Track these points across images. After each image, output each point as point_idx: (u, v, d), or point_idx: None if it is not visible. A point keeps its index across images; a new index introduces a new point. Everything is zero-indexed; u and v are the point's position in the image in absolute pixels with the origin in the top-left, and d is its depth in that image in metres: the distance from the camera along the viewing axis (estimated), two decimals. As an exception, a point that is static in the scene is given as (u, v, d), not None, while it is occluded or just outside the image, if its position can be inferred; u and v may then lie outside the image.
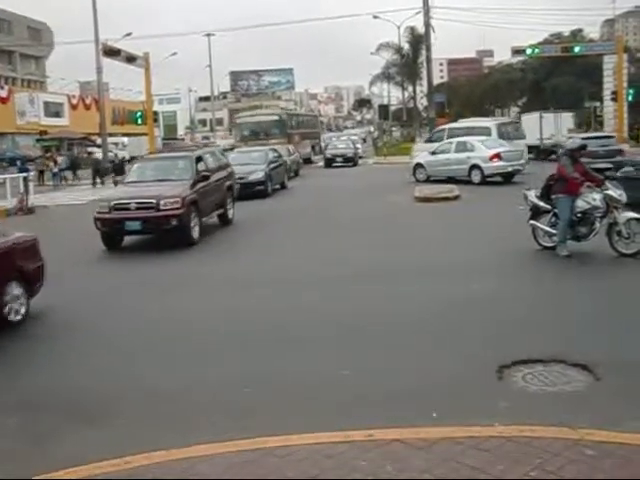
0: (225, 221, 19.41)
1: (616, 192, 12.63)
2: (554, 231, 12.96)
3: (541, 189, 13.41)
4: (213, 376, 7.46)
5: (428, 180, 28.61)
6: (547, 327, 8.58)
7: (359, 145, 56.67)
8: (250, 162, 27.56)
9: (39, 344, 9.16)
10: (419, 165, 29.83)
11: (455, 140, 29.13)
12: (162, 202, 15.65)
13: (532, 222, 13.41)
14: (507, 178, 27.33)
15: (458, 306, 9.73)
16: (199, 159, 18.24)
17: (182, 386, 7.21)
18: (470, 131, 31.23)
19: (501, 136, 30.19)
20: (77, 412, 6.70)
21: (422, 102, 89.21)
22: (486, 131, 30.81)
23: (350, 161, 45.84)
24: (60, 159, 44.64)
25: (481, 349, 7.79)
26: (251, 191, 25.45)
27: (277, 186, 29.42)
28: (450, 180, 27.65)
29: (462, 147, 28.17)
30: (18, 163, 39.28)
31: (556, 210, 12.90)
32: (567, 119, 42.68)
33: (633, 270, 11.68)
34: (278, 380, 7.19)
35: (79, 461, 5.29)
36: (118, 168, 35.03)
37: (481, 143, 28.08)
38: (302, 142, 48.25)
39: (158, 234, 16.48)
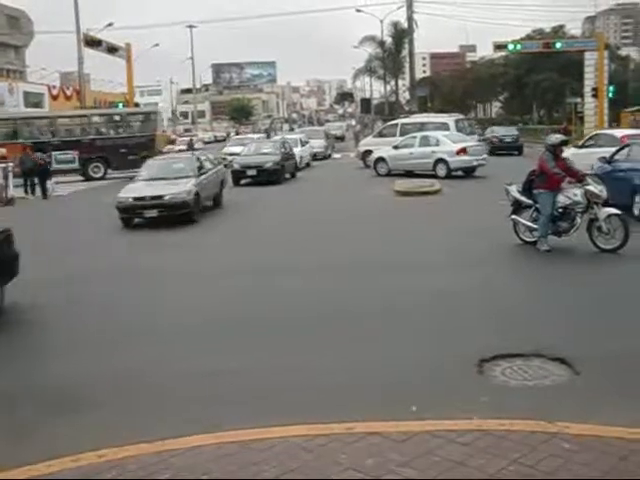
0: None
1: (597, 188, 12.70)
2: (535, 226, 13.00)
3: (522, 184, 13.43)
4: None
5: (389, 174, 28.81)
6: (527, 321, 8.61)
7: (302, 149, 37.12)
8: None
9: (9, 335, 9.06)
10: (381, 159, 30.04)
11: (419, 134, 29.57)
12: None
13: (513, 217, 13.43)
14: (468, 172, 28.05)
15: (440, 299, 9.75)
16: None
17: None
18: (424, 126, 32.02)
19: (459, 131, 31.28)
20: (58, 402, 6.63)
21: (404, 96, 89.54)
22: (444, 127, 31.69)
23: (273, 175, 29.05)
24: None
25: (462, 342, 7.79)
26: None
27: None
28: (412, 174, 27.85)
29: (427, 141, 28.67)
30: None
31: (537, 205, 12.93)
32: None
33: (613, 265, 11.74)
34: (250, 369, 7.15)
35: (53, 454, 5.21)
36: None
37: (447, 138, 28.75)
38: None
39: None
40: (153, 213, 18.31)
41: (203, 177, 20.44)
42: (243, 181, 29.24)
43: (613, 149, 17.13)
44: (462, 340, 7.89)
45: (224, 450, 5.11)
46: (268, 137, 49.98)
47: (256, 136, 52.55)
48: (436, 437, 5.15)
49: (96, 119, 36.81)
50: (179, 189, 18.65)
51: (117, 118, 37.20)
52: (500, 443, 5.01)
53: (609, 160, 17.28)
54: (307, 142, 39.27)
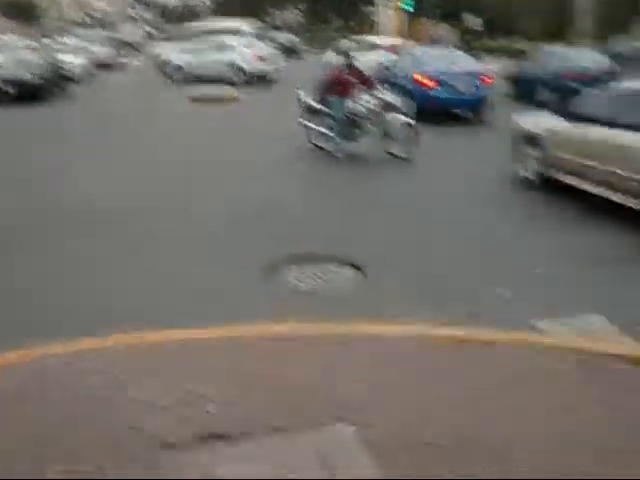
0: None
1: (390, 96, 12.83)
2: (327, 131, 12.96)
3: (316, 90, 13.31)
4: None
5: (185, 81, 27.88)
6: (320, 227, 8.63)
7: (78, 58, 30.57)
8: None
9: None
10: (176, 65, 29.18)
11: (216, 40, 29.10)
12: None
13: (303, 121, 13.39)
14: (263, 79, 27.93)
15: (234, 205, 9.61)
16: None
17: None
18: (221, 32, 31.38)
19: (257, 38, 31.38)
20: None
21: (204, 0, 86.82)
22: (240, 33, 31.71)
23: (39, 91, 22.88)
24: None
25: (255, 248, 7.67)
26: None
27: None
28: (210, 80, 27.03)
29: (223, 47, 28.33)
30: None
31: (330, 111, 12.86)
32: None
33: (403, 171, 12.02)
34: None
35: None
36: None
37: (242, 45, 28.56)
38: None
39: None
40: None
41: None
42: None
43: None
44: (256, 246, 7.78)
45: None
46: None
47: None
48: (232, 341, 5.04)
49: None
50: None
51: None
52: (294, 346, 4.97)
53: (386, 67, 19.23)
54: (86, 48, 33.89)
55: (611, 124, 9.20)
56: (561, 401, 4.24)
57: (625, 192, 8.72)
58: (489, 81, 18.03)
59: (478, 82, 17.62)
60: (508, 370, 4.64)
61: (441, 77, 17.35)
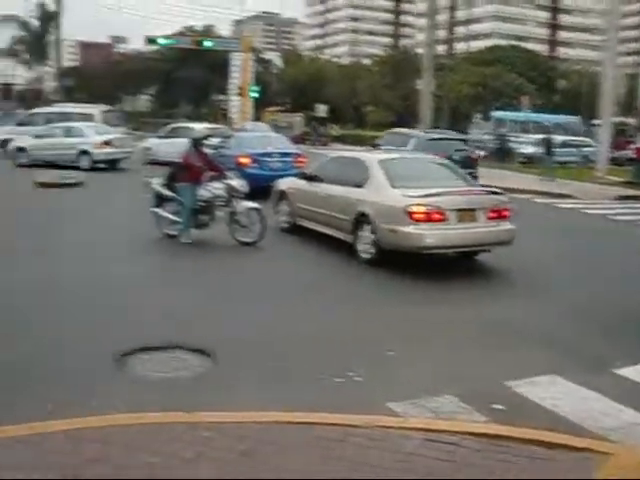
0: None
1: (238, 182, 13.08)
2: (178, 219, 13.00)
3: (165, 177, 13.40)
4: None
5: (30, 165, 27.20)
6: (168, 313, 8.56)
7: None
8: None
9: None
10: (21, 149, 28.56)
11: (63, 125, 28.77)
12: None
13: (155, 210, 13.32)
14: (113, 164, 28.02)
15: (77, 290, 9.47)
16: None
17: None
18: (70, 117, 31.16)
19: (105, 123, 30.97)
20: None
21: (50, 84, 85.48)
22: (89, 118, 31.32)
23: None
24: None
25: (99, 336, 7.55)
26: None
27: None
28: (54, 165, 26.52)
29: (70, 132, 28.01)
30: None
31: (180, 198, 12.94)
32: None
33: (249, 256, 12.35)
34: None
35: None
36: None
37: (91, 129, 28.44)
38: None
39: None
40: None
41: None
42: None
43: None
44: (100, 334, 7.65)
45: None
46: None
47: None
48: (71, 438, 4.89)
49: None
50: None
51: None
52: (138, 436, 4.92)
53: (215, 147, 20.14)
54: None
55: (327, 181, 13.03)
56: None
57: (338, 228, 12.38)
58: (302, 160, 20.50)
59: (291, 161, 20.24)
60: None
61: (257, 157, 19.77)
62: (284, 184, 14.74)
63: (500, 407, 5.93)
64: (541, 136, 31.08)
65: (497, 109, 51.68)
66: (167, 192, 13.19)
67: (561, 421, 5.68)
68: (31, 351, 7.06)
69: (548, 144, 28.88)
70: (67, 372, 6.53)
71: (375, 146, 27.59)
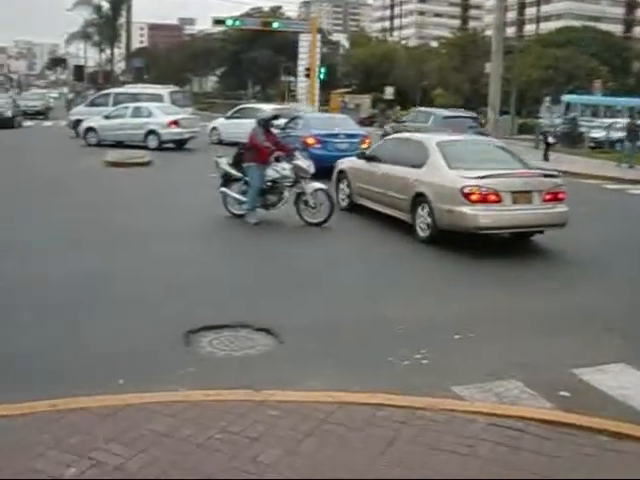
0: None
1: (305, 163, 13.06)
2: (244, 199, 13.10)
3: (233, 157, 13.48)
4: None
5: (99, 144, 27.90)
6: (234, 292, 8.67)
7: None
8: None
9: None
10: (90, 129, 29.07)
11: (132, 105, 29.14)
12: None
13: (223, 189, 13.45)
14: (180, 144, 28.28)
15: (151, 269, 9.62)
16: None
17: None
18: (139, 97, 31.43)
19: (173, 104, 31.16)
20: None
21: (120, 66, 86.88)
22: (158, 98, 31.49)
23: None
24: None
25: (170, 314, 7.68)
26: None
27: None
28: (123, 145, 27.15)
29: (139, 112, 28.40)
30: None
31: (247, 178, 13.03)
32: None
33: (317, 237, 12.33)
34: None
35: None
36: None
37: (159, 109, 28.71)
38: None
39: None
40: None
41: None
42: None
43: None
44: (170, 310, 7.78)
45: None
46: None
47: None
48: (143, 410, 5.02)
49: None
50: None
51: None
52: (208, 413, 5.00)
53: (283, 127, 20.86)
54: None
55: (386, 162, 13.27)
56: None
57: (396, 208, 12.61)
58: (368, 142, 20.35)
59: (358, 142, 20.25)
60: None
61: (323, 138, 20.07)
62: (344, 164, 15.06)
63: (566, 394, 5.85)
64: (617, 120, 30.12)
65: (569, 92, 50.50)
66: (235, 172, 13.30)
67: (629, 411, 5.57)
68: (102, 324, 7.27)
69: (634, 129, 27.29)
70: (137, 349, 6.67)
71: (400, 122, 30.75)
